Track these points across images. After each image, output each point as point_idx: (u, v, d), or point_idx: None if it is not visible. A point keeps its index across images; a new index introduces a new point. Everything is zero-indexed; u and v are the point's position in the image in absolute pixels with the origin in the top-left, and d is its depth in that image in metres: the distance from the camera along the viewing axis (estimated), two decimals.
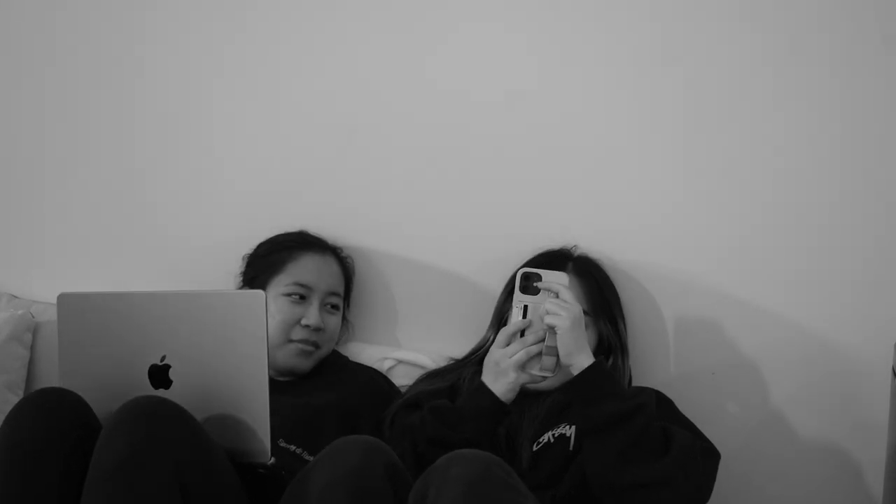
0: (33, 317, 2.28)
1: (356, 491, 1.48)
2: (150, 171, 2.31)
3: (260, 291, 1.66)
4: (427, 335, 2.18)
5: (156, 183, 2.31)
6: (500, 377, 1.75)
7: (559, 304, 1.73)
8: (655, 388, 1.92)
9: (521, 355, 1.74)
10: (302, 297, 2.02)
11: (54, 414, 1.58)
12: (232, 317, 1.65)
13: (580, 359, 1.71)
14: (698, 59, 1.98)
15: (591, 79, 2.06)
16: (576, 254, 2.04)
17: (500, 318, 1.98)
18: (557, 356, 1.74)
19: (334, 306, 2.07)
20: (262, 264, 2.07)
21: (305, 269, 2.05)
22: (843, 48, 1.91)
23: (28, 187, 2.38)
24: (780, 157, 1.97)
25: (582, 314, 1.74)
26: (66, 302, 1.71)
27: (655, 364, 2.08)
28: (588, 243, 2.07)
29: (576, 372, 1.70)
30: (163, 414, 1.56)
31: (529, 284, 1.79)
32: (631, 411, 1.65)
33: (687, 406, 1.90)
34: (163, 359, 1.67)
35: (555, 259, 1.98)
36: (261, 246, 2.12)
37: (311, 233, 2.14)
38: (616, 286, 2.04)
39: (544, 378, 1.78)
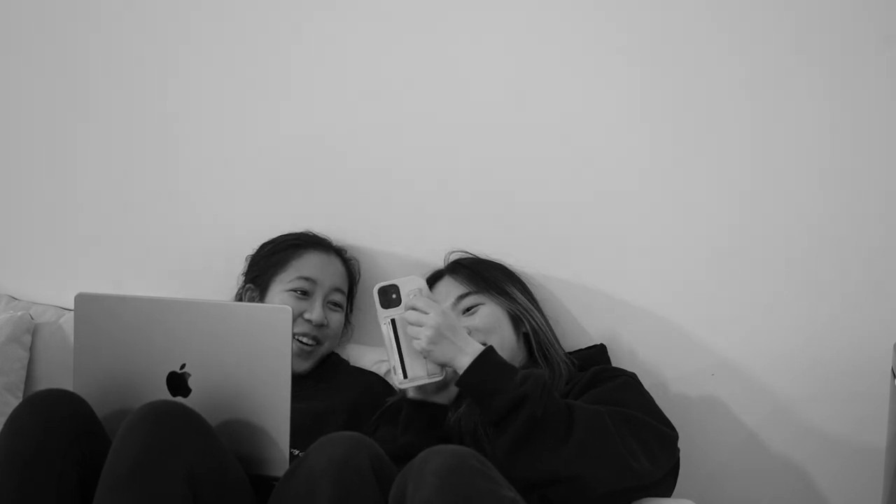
0: (32, 318, 2.28)
1: (341, 482, 1.49)
2: (151, 172, 2.31)
3: (286, 307, 1.66)
4: None
5: (157, 184, 2.31)
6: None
7: (417, 319, 1.72)
8: (623, 368, 1.90)
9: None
10: (305, 293, 2.03)
11: (55, 416, 1.59)
12: (257, 330, 1.65)
13: (461, 360, 1.69)
14: (698, 60, 1.99)
15: (589, 80, 2.06)
16: (447, 262, 2.05)
17: None
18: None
19: (337, 304, 2.08)
20: (266, 263, 2.08)
21: (310, 264, 2.06)
22: (843, 48, 1.91)
23: (26, 189, 2.38)
24: (780, 157, 1.97)
25: (444, 316, 1.72)
26: (84, 302, 1.70)
27: (655, 365, 2.08)
28: (591, 240, 2.08)
29: (461, 372, 1.69)
30: (177, 419, 1.56)
31: (389, 297, 1.78)
32: (515, 402, 1.63)
33: (687, 407, 1.90)
34: (182, 367, 1.67)
35: (431, 280, 2.00)
36: (264, 246, 2.13)
37: (316, 233, 2.15)
38: (616, 287, 2.05)
39: (438, 380, 1.77)
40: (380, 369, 2.15)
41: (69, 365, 2.20)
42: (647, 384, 1.96)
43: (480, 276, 1.98)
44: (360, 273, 2.18)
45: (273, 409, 1.65)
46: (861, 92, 1.92)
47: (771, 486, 2.08)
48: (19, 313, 2.26)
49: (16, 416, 1.59)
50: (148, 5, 2.25)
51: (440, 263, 2.09)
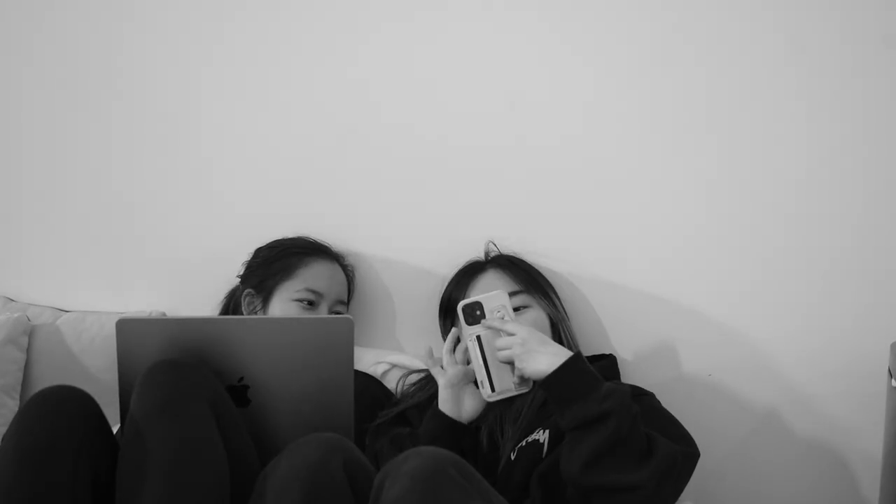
0: (29, 320, 2.27)
1: (312, 486, 1.49)
2: (148, 175, 2.30)
3: (349, 317, 1.70)
4: (422, 338, 2.17)
5: (154, 187, 2.30)
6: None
7: (505, 335, 1.76)
8: (641, 386, 1.90)
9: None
10: (311, 303, 2.04)
11: (63, 411, 1.59)
12: (319, 341, 1.69)
13: (551, 364, 1.69)
14: (697, 60, 2.00)
15: (589, 84, 2.07)
16: (490, 256, 2.06)
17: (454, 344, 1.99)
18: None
19: (339, 314, 2.08)
20: (269, 270, 2.08)
21: (318, 275, 2.07)
22: (842, 48, 1.92)
23: (25, 189, 2.37)
24: (780, 158, 1.98)
25: (531, 331, 1.75)
26: (126, 327, 1.67)
27: (652, 365, 2.09)
28: (587, 246, 2.09)
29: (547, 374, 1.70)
30: (194, 366, 1.62)
31: (473, 314, 1.81)
32: (596, 417, 1.63)
33: (683, 406, 1.89)
34: (240, 380, 1.69)
35: (471, 271, 2.02)
36: (266, 250, 2.13)
37: (314, 238, 2.15)
38: (613, 288, 2.06)
39: (525, 391, 1.80)
40: (376, 371, 2.15)
41: (66, 367, 2.23)
42: (644, 384, 1.96)
43: (531, 276, 1.99)
44: (355, 280, 2.18)
45: (337, 416, 1.69)
46: (862, 91, 1.93)
47: (768, 486, 2.08)
48: (16, 315, 2.25)
49: (26, 410, 1.59)
50: (148, 5, 2.24)
51: (439, 268, 2.10)
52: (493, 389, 1.80)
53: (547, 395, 1.70)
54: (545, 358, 1.69)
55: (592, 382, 1.67)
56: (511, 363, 1.75)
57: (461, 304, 1.82)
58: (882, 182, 1.94)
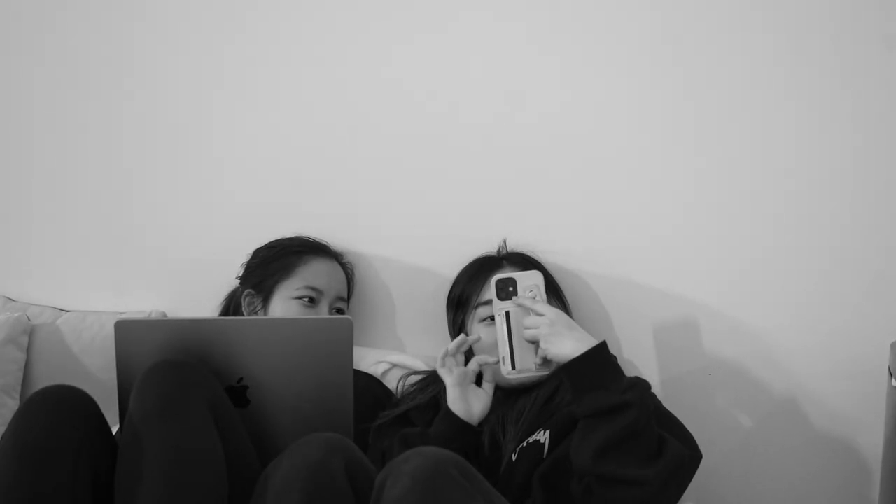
0: (29, 320, 2.27)
1: (313, 486, 1.49)
2: (148, 176, 2.30)
3: (348, 318, 1.71)
4: (423, 338, 2.18)
5: (153, 187, 2.30)
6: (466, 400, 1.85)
7: (534, 315, 1.76)
8: None
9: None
10: (311, 301, 2.04)
11: (64, 411, 1.59)
12: (319, 341, 1.69)
13: (575, 350, 1.69)
14: (696, 60, 2.00)
15: (588, 82, 2.07)
16: (504, 252, 2.06)
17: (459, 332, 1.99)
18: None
19: (340, 311, 2.08)
20: (268, 269, 2.08)
21: (317, 273, 2.07)
22: (843, 48, 1.92)
23: (24, 190, 2.37)
24: (780, 158, 1.99)
25: (560, 314, 1.75)
26: (124, 328, 1.67)
27: (653, 364, 2.09)
28: (589, 243, 2.09)
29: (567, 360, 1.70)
30: (192, 366, 1.61)
31: (506, 290, 1.81)
32: (614, 407, 1.62)
33: (684, 406, 1.90)
34: (239, 380, 1.69)
35: (486, 266, 2.01)
36: (265, 250, 2.13)
37: (314, 238, 2.15)
38: (614, 288, 2.07)
39: (545, 374, 1.79)
40: (377, 371, 2.15)
41: (66, 367, 2.23)
42: None
43: (546, 278, 1.98)
44: (355, 278, 2.18)
45: (337, 416, 1.70)
46: (861, 91, 1.93)
47: (769, 485, 2.09)
48: (16, 314, 2.25)
49: (25, 410, 1.59)
50: (148, 7, 2.24)
51: (439, 267, 2.10)
52: (513, 367, 1.79)
53: (567, 379, 1.69)
54: (570, 343, 1.69)
55: (615, 373, 1.68)
56: (536, 343, 1.75)
57: (496, 277, 1.82)
58: (882, 181, 1.94)
